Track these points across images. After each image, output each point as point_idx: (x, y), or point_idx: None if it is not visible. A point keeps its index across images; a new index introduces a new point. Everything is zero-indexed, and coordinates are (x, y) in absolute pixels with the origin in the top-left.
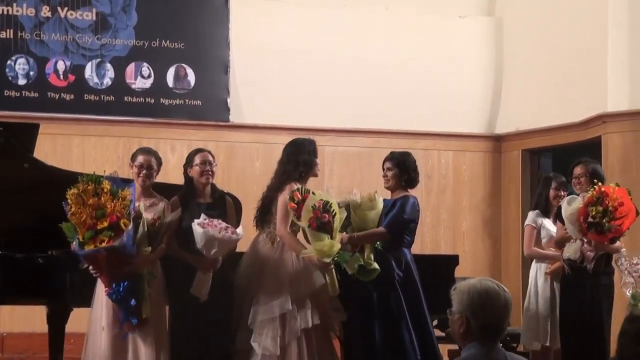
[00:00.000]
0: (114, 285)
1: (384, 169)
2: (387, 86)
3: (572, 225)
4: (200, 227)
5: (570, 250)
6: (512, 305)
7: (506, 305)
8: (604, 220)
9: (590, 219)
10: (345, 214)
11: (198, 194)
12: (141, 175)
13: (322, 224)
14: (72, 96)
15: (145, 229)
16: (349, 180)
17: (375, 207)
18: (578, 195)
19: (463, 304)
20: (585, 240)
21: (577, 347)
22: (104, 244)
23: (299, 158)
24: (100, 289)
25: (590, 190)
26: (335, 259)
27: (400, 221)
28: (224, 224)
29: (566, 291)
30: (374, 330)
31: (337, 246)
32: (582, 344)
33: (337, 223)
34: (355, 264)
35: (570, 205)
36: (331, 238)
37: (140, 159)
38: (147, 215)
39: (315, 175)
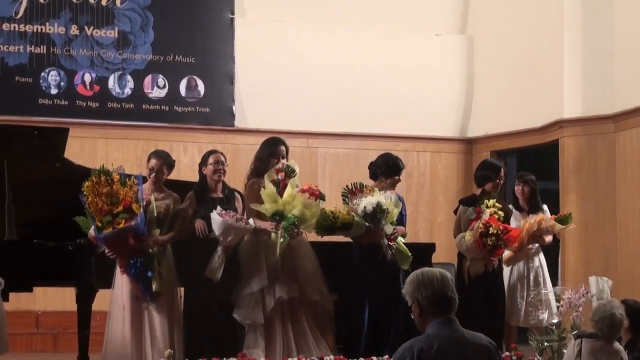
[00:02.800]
0: (130, 262)
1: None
2: (373, 95)
3: (475, 254)
4: (219, 216)
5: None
6: (452, 279)
7: (442, 275)
8: (499, 243)
9: (488, 247)
10: (396, 210)
11: (211, 190)
12: (152, 177)
13: (276, 183)
14: (97, 104)
15: (155, 213)
16: (338, 178)
17: (398, 206)
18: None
19: (409, 291)
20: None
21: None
22: (122, 225)
23: (256, 156)
24: (119, 272)
25: (475, 229)
26: (283, 223)
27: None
28: (237, 215)
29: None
30: (365, 308)
31: (289, 209)
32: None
33: (391, 217)
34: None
35: (463, 243)
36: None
37: (152, 162)
38: (158, 204)
39: (276, 170)
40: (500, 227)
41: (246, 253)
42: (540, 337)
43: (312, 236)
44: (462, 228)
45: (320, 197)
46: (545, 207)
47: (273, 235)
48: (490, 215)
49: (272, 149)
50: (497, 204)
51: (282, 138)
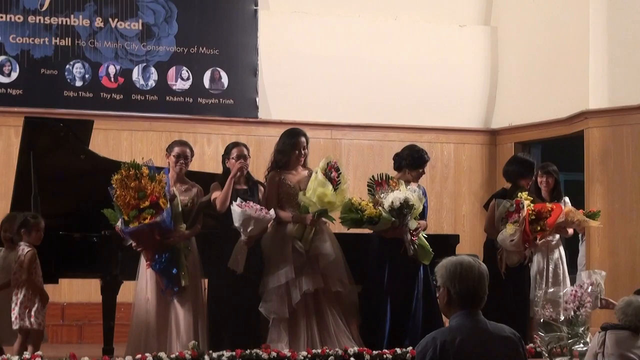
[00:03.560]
0: (156, 256)
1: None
2: (396, 86)
3: (520, 246)
4: (239, 207)
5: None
6: (488, 276)
7: (480, 273)
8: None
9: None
10: (421, 205)
11: (235, 181)
12: (178, 164)
13: (329, 177)
14: (122, 96)
15: (180, 208)
16: (362, 169)
17: (422, 201)
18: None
19: (443, 277)
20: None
21: None
22: (147, 220)
23: (276, 149)
24: (144, 265)
25: (521, 219)
26: (318, 212)
27: None
28: (258, 206)
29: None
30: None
31: (333, 201)
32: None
33: (415, 213)
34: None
35: (507, 238)
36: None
37: (177, 149)
38: (182, 198)
39: (299, 163)
40: (548, 207)
41: (270, 244)
42: (547, 333)
43: (334, 227)
44: (496, 223)
45: (338, 181)
46: (567, 198)
47: (295, 227)
48: (527, 206)
49: (292, 141)
50: (529, 197)
51: (301, 129)
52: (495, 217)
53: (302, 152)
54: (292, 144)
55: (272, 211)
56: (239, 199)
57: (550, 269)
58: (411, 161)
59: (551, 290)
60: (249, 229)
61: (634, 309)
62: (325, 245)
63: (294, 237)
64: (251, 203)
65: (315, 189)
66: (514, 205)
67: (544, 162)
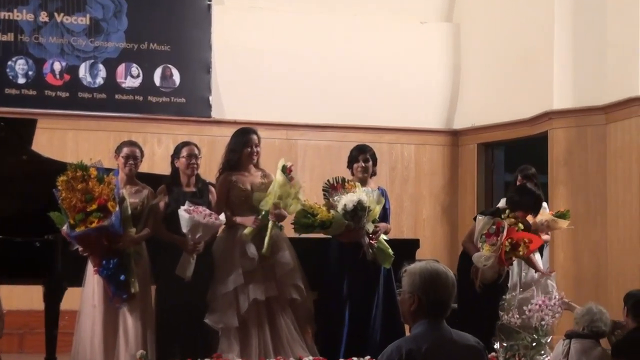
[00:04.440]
0: (104, 262)
1: (359, 160)
2: (355, 85)
3: (495, 268)
4: (187, 213)
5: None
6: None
7: (453, 284)
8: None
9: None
10: (379, 207)
11: (183, 183)
12: (127, 165)
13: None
14: (67, 94)
15: (129, 212)
16: (319, 171)
17: (381, 202)
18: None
19: (415, 284)
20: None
21: None
22: (94, 225)
23: (226, 148)
24: (91, 270)
25: (497, 246)
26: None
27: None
28: (207, 211)
29: None
30: (345, 308)
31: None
32: None
33: (372, 215)
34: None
35: (482, 260)
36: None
37: (125, 150)
38: (132, 200)
39: (250, 162)
40: (526, 238)
41: (220, 250)
42: (508, 340)
43: (290, 232)
44: (475, 239)
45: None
46: (545, 204)
47: (247, 230)
48: (510, 226)
49: (243, 139)
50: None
51: (253, 127)
52: (476, 232)
53: (254, 149)
54: (243, 142)
55: (222, 216)
56: (187, 204)
57: (523, 273)
58: (349, 160)
59: (521, 296)
60: (197, 235)
61: (595, 315)
62: (285, 254)
63: (246, 241)
64: (200, 208)
65: (276, 191)
66: (494, 227)
67: (508, 164)
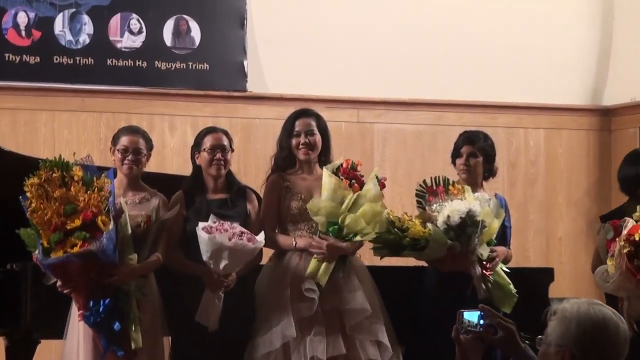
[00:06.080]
0: (91, 304)
1: (462, 155)
2: (456, 47)
3: (630, 290)
4: (206, 232)
5: None
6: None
7: (625, 341)
8: None
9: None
10: (498, 222)
11: (209, 188)
12: (126, 161)
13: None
14: (38, 59)
15: (130, 230)
16: (405, 167)
17: (500, 216)
18: None
19: (569, 336)
20: None
21: None
22: (76, 249)
23: (277, 142)
24: (75, 315)
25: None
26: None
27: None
28: (238, 228)
29: None
30: None
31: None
32: None
33: (488, 233)
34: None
35: (607, 279)
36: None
37: (124, 140)
38: (134, 213)
39: (306, 159)
40: None
41: (263, 287)
42: None
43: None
44: (601, 257)
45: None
46: None
47: (312, 264)
48: (637, 222)
49: (288, 124)
50: None
51: (310, 109)
52: (600, 250)
53: (306, 139)
54: (288, 130)
55: (261, 236)
56: (210, 218)
57: None
58: (453, 150)
59: None
60: (221, 265)
61: None
62: (356, 296)
63: (309, 277)
64: (226, 224)
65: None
66: (612, 231)
67: None
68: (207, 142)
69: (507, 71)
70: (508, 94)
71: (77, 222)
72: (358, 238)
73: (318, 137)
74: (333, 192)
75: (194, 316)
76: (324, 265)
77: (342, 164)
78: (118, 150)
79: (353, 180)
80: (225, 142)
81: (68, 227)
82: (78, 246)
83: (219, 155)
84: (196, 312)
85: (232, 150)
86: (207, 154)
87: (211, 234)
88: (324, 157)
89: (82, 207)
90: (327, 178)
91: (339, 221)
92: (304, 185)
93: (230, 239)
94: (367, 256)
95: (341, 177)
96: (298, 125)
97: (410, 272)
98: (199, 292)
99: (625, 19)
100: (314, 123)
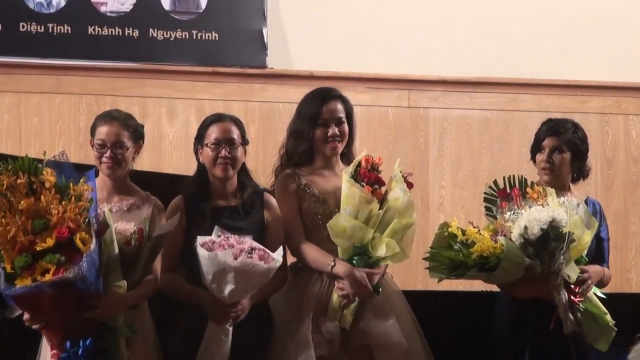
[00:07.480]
0: (68, 345)
1: (544, 149)
2: (535, 14)
3: None
4: (206, 249)
5: None
6: None
7: None
8: None
9: None
10: (590, 234)
11: (216, 192)
12: (104, 159)
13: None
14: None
15: (117, 249)
16: (469, 165)
17: (593, 226)
18: None
19: None
20: None
21: None
22: (48, 277)
23: (291, 129)
24: (47, 354)
25: None
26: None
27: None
28: (248, 243)
29: None
30: None
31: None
32: None
33: (578, 249)
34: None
35: None
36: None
37: (101, 131)
38: (122, 227)
39: (330, 153)
40: None
41: (280, 316)
42: None
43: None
44: None
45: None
46: None
47: (334, 297)
48: None
49: (313, 111)
50: None
51: (335, 89)
52: None
53: (335, 131)
54: (311, 114)
55: (278, 253)
56: (215, 230)
57: None
58: (533, 143)
59: None
60: (226, 290)
61: None
62: (387, 325)
63: (331, 317)
64: (232, 238)
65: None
66: None
67: None
68: (212, 134)
69: (601, 44)
70: (602, 71)
71: (50, 242)
72: (388, 262)
73: (346, 127)
74: (357, 208)
75: (196, 356)
76: (352, 306)
77: (360, 164)
78: (97, 143)
79: (376, 186)
80: (235, 134)
81: (38, 248)
82: (51, 272)
83: (224, 152)
84: (198, 350)
85: (246, 144)
86: (210, 150)
87: (212, 251)
88: (347, 150)
89: (55, 222)
90: (347, 187)
91: (367, 247)
92: (325, 184)
93: (236, 257)
94: (399, 279)
95: (362, 183)
96: (326, 111)
97: (468, 298)
98: (203, 325)
99: None
100: (341, 108)
